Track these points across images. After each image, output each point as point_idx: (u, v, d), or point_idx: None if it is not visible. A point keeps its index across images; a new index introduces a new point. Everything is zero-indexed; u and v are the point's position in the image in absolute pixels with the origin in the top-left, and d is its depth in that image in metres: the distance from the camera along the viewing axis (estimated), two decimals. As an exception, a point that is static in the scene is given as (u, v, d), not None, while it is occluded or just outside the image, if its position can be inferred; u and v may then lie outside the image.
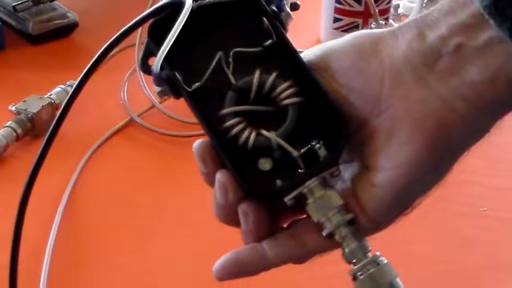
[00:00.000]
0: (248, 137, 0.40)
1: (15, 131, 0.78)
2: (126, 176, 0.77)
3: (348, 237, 0.40)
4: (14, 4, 1.00)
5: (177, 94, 0.42)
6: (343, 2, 0.98)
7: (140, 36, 0.86)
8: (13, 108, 0.81)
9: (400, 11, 1.08)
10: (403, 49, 0.39)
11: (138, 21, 0.43)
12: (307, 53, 0.43)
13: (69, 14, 1.05)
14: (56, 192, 0.72)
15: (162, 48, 0.40)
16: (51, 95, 0.84)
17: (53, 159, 0.72)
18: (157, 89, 0.42)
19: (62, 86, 0.86)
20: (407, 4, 1.10)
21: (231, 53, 0.42)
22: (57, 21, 1.03)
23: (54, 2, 1.04)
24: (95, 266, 0.64)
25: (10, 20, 1.02)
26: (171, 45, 0.40)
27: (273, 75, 0.41)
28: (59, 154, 0.78)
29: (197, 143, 0.41)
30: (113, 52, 0.92)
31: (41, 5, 1.02)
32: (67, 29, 1.04)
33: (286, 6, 0.43)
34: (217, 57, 0.42)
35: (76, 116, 0.84)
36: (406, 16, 1.06)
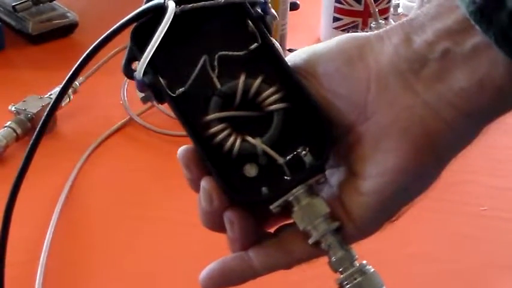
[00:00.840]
0: (233, 144, 0.40)
1: (15, 131, 0.78)
2: (125, 175, 0.77)
3: (334, 245, 0.40)
4: (13, 4, 1.00)
5: (161, 99, 0.41)
6: (343, 2, 0.98)
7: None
8: (13, 109, 0.81)
9: (399, 10, 1.08)
10: (389, 54, 0.39)
11: (120, 26, 0.42)
12: (293, 56, 0.42)
13: (68, 14, 1.05)
14: (54, 190, 0.72)
15: (145, 54, 0.39)
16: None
17: (52, 157, 0.72)
18: (140, 94, 0.41)
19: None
20: (407, 3, 1.10)
21: (216, 57, 0.41)
22: (57, 21, 1.03)
23: (54, 1, 1.04)
24: (92, 265, 0.64)
25: (10, 20, 1.02)
26: (155, 50, 0.40)
27: (258, 80, 0.41)
28: (58, 153, 0.78)
29: (181, 149, 0.41)
30: (112, 52, 0.92)
31: (41, 5, 1.02)
32: (67, 29, 1.04)
33: (271, 8, 0.43)
34: (201, 61, 0.41)
35: (75, 115, 0.84)
36: (406, 15, 1.06)
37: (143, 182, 0.76)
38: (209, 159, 0.40)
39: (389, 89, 0.38)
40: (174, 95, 0.40)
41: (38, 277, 0.62)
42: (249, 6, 0.42)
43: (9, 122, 0.79)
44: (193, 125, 0.40)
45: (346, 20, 0.99)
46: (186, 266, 0.64)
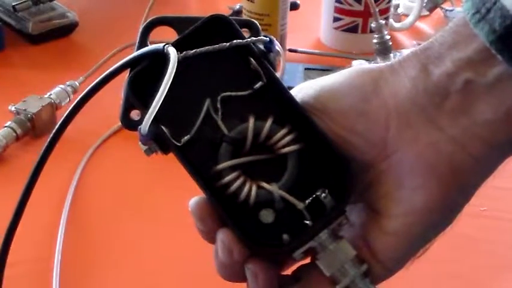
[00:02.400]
0: (249, 193, 0.38)
1: (14, 131, 0.78)
2: (127, 175, 0.77)
3: None
4: (13, 4, 1.00)
5: (166, 150, 0.39)
6: (343, 2, 0.98)
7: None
8: (13, 109, 0.80)
9: (400, 10, 1.08)
10: (407, 88, 0.37)
11: (115, 70, 0.41)
12: (300, 92, 0.40)
13: (68, 14, 1.05)
14: (60, 191, 0.72)
15: (151, 109, 0.37)
16: (51, 95, 0.83)
17: (55, 158, 0.72)
18: (143, 147, 0.39)
19: (62, 86, 0.85)
20: (407, 4, 1.10)
21: (219, 98, 0.39)
22: (56, 21, 1.03)
23: (54, 1, 1.04)
24: (103, 265, 0.65)
25: (10, 19, 1.02)
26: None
27: (269, 122, 0.39)
28: (60, 153, 0.78)
29: (193, 201, 0.39)
30: (113, 52, 0.92)
31: (41, 4, 1.02)
32: (67, 29, 1.04)
33: (276, 46, 0.41)
34: (205, 105, 0.39)
35: (77, 115, 0.84)
36: (406, 15, 1.06)
37: (145, 181, 0.76)
38: (225, 211, 0.38)
39: (412, 125, 0.37)
40: (180, 144, 0.38)
41: (54, 271, 0.62)
42: (252, 45, 0.40)
43: (9, 122, 0.79)
44: (203, 176, 0.38)
45: (347, 20, 0.99)
46: (192, 265, 0.64)
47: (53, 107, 0.82)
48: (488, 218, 0.71)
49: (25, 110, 0.80)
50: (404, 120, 0.37)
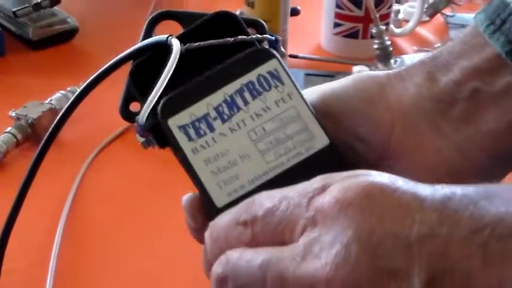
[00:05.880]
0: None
1: (15, 136, 0.78)
2: (128, 181, 0.76)
3: None
4: (14, 10, 1.00)
5: (164, 144, 0.40)
6: (344, 7, 0.98)
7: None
8: (13, 114, 0.80)
9: (400, 16, 1.08)
10: (413, 93, 0.37)
11: (117, 61, 0.41)
12: (305, 94, 0.40)
13: (69, 20, 1.05)
14: (59, 196, 0.72)
15: (150, 99, 0.37)
16: (51, 100, 0.84)
17: (55, 163, 0.72)
18: (140, 139, 0.39)
19: (63, 92, 0.85)
20: (408, 9, 1.10)
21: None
22: (57, 27, 1.03)
23: (55, 7, 1.04)
24: (98, 268, 0.64)
25: (10, 25, 1.02)
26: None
27: None
28: (60, 159, 0.78)
29: (186, 197, 0.39)
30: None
31: (41, 10, 1.02)
32: (67, 35, 1.04)
33: (281, 46, 0.40)
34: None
35: (76, 121, 0.84)
36: (407, 21, 1.06)
37: (145, 188, 0.76)
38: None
39: (416, 130, 0.37)
40: None
41: (48, 279, 0.61)
42: (257, 43, 0.40)
43: (9, 128, 0.79)
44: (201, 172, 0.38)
45: (347, 25, 0.99)
46: (192, 269, 0.64)
47: (54, 112, 0.82)
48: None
49: (26, 115, 0.80)
50: (408, 125, 0.37)
